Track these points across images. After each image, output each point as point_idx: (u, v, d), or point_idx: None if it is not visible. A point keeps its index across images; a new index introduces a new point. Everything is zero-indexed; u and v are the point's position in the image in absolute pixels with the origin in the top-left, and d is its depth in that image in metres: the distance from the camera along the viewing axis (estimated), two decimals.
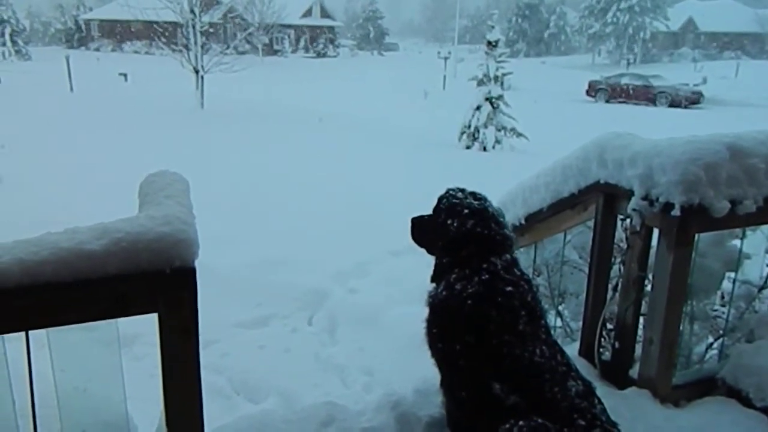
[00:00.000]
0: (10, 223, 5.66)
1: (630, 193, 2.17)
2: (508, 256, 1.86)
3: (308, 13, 59.53)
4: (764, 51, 55.79)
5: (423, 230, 2.06)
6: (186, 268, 1.46)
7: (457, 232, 1.88)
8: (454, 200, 1.95)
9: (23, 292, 1.33)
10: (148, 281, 1.45)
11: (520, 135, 15.63)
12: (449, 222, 1.91)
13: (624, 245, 2.36)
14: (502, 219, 1.94)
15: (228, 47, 22.86)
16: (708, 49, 56.51)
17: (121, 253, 1.40)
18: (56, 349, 1.57)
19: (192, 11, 20.33)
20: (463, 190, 1.99)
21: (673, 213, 2.02)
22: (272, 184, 9.96)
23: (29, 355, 1.51)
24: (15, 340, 1.46)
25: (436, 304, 1.85)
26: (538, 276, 3.14)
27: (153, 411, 1.79)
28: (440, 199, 2.02)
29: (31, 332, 1.47)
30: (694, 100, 28.41)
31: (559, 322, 3.13)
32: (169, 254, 1.43)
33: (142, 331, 3.39)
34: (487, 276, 1.77)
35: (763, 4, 62.28)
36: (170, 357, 1.53)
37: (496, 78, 16.15)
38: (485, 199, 1.97)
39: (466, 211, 1.90)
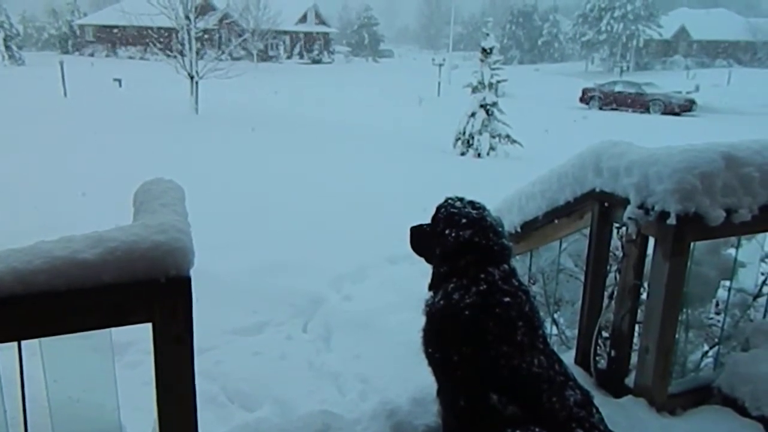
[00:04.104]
0: (3, 231, 5.63)
1: (626, 202, 2.17)
2: (506, 266, 1.85)
3: (303, 20, 59.65)
4: (756, 59, 56.28)
5: (421, 239, 2.06)
6: (181, 276, 1.45)
7: (455, 241, 1.87)
8: (452, 209, 1.94)
9: (16, 301, 1.32)
10: (143, 290, 1.44)
11: (514, 142, 15.70)
12: (447, 231, 1.90)
13: (620, 253, 2.36)
14: (500, 229, 1.93)
15: (223, 53, 22.86)
16: (700, 57, 56.98)
17: (115, 262, 1.38)
18: (49, 358, 1.55)
19: (187, 17, 20.35)
20: (461, 200, 1.99)
21: (668, 221, 2.02)
22: (268, 190, 9.95)
23: (21, 364, 1.49)
24: (6, 348, 1.45)
25: (433, 313, 1.84)
26: (534, 284, 3.14)
27: (146, 420, 1.78)
28: (439, 208, 2.01)
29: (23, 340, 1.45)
30: (686, 107, 28.61)
31: (554, 330, 3.12)
32: (165, 263, 1.42)
33: (136, 338, 3.39)
34: (484, 286, 1.76)
35: (754, 13, 63.08)
36: (164, 366, 1.52)
37: (490, 85, 16.22)
38: (484, 209, 1.96)
39: (464, 220, 1.89)
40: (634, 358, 2.38)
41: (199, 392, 1.59)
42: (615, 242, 2.43)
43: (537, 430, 1.54)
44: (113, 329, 1.53)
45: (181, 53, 20.53)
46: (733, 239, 2.43)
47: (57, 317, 1.41)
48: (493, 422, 1.59)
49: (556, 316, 3.15)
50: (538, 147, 14.67)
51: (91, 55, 53.82)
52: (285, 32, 55.67)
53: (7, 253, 1.37)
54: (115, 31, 51.23)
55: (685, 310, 2.42)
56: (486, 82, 16.12)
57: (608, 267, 2.48)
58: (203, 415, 1.63)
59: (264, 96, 25.88)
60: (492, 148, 15.76)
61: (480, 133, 15.75)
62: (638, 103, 29.41)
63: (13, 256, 1.35)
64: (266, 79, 34.01)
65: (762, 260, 2.63)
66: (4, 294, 1.31)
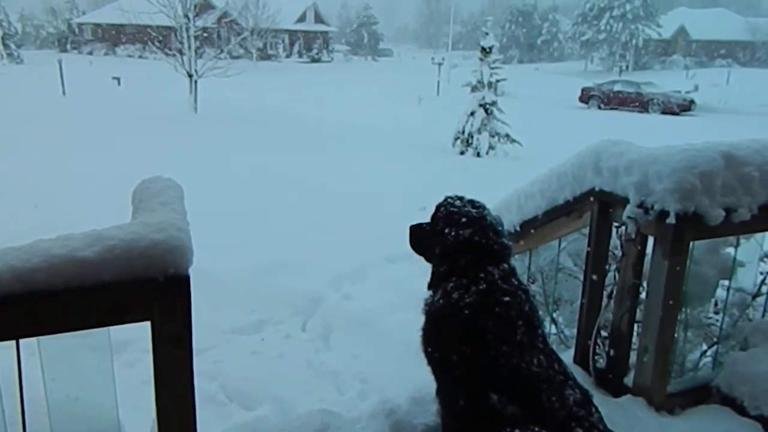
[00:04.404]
0: (2, 231, 5.61)
1: (625, 201, 2.17)
2: (505, 265, 1.85)
3: (302, 18, 59.62)
4: (755, 59, 56.31)
5: (421, 238, 2.05)
6: (180, 275, 1.44)
7: (455, 240, 1.86)
8: (452, 208, 1.94)
9: (14, 299, 1.31)
10: (142, 289, 1.43)
11: (513, 141, 15.70)
12: (447, 230, 1.90)
13: (619, 253, 2.36)
14: (500, 228, 1.93)
15: (222, 52, 22.84)
16: (699, 57, 57.00)
17: (114, 261, 1.38)
18: (47, 356, 1.55)
19: (186, 16, 20.33)
20: (461, 198, 1.98)
21: (668, 221, 2.02)
22: (267, 189, 9.94)
23: (20, 363, 1.49)
24: (5, 346, 1.44)
25: (432, 312, 1.84)
26: (533, 283, 3.14)
27: (145, 419, 1.77)
28: (438, 207, 2.01)
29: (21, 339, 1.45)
30: (685, 107, 28.63)
31: (553, 330, 3.12)
32: (164, 261, 1.42)
33: (134, 336, 3.37)
34: (484, 285, 1.76)
35: (754, 13, 63.13)
36: (163, 365, 1.52)
37: (489, 84, 16.23)
38: (484, 208, 1.96)
39: (464, 219, 1.89)
40: (633, 357, 2.38)
41: (198, 391, 1.59)
42: (614, 241, 2.43)
43: (536, 429, 1.54)
44: (112, 328, 1.53)
45: (180, 52, 20.51)
46: (732, 238, 2.42)
47: (55, 316, 1.40)
48: (493, 422, 1.59)
49: (555, 315, 3.15)
50: (538, 146, 14.68)
51: (90, 53, 53.76)
52: (284, 31, 55.65)
53: (6, 251, 1.36)
54: (114, 29, 51.23)
55: (684, 309, 2.42)
56: (485, 81, 16.12)
57: (607, 266, 2.47)
58: (202, 414, 1.63)
59: (263, 95, 25.85)
60: (491, 147, 15.76)
61: (479, 132, 15.75)
62: (637, 102, 29.43)
63: (11, 254, 1.35)
64: (265, 78, 33.98)
65: (761, 259, 2.63)
66: (3, 293, 1.30)
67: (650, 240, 2.21)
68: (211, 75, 20.01)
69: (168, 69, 20.60)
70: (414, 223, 2.12)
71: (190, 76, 20.11)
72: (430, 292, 1.89)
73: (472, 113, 15.92)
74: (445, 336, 1.78)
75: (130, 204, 1.81)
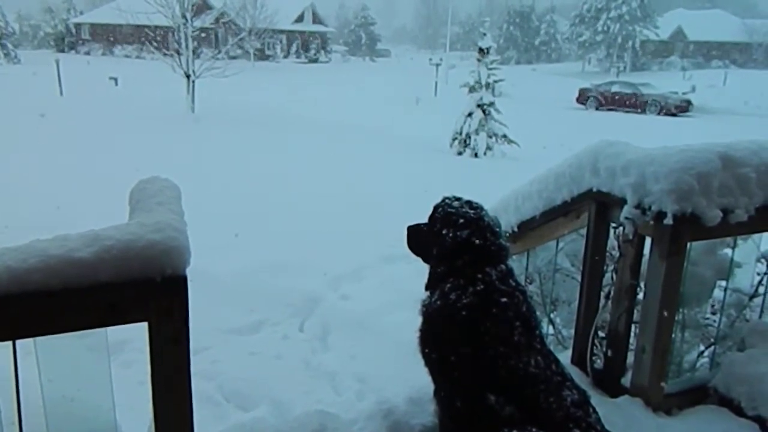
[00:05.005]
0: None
1: (623, 202, 2.18)
2: (503, 266, 1.85)
3: (300, 19, 59.59)
4: (752, 60, 56.47)
5: (418, 239, 2.06)
6: (177, 276, 1.44)
7: (453, 241, 1.87)
8: (450, 209, 1.94)
9: (11, 300, 1.31)
10: (139, 289, 1.43)
11: (511, 141, 15.72)
12: (444, 231, 1.90)
13: (616, 253, 2.36)
14: (498, 229, 1.93)
15: (219, 52, 22.82)
16: (697, 58, 57.16)
17: (111, 261, 1.37)
18: (43, 357, 1.54)
19: (183, 16, 20.29)
20: (459, 199, 1.98)
21: (665, 221, 2.02)
22: (265, 190, 9.93)
23: (16, 363, 1.48)
24: (1, 347, 1.44)
25: (429, 313, 1.84)
26: (530, 284, 3.14)
27: (142, 419, 1.77)
28: (436, 208, 2.01)
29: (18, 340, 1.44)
30: (683, 108, 28.72)
31: (551, 330, 3.13)
32: (161, 262, 1.41)
33: (131, 337, 3.37)
34: (482, 286, 1.76)
35: (751, 14, 63.35)
36: (160, 366, 1.51)
37: (487, 85, 16.24)
38: (481, 209, 1.96)
39: (461, 220, 1.89)
40: (630, 358, 2.38)
41: (195, 392, 1.58)
42: (612, 242, 2.43)
43: (534, 430, 1.54)
44: (109, 328, 1.52)
45: (178, 52, 20.47)
46: (730, 239, 2.43)
47: (52, 316, 1.40)
48: (491, 422, 1.59)
49: (552, 315, 3.15)
50: (535, 147, 14.69)
51: (87, 53, 53.65)
52: (282, 31, 55.55)
53: (2, 251, 1.36)
54: (111, 29, 51.15)
55: (681, 310, 2.42)
56: (483, 82, 16.14)
57: (605, 267, 2.48)
58: (199, 415, 1.62)
59: (261, 95, 25.84)
60: (489, 148, 15.78)
61: (477, 133, 15.77)
62: (635, 103, 29.51)
63: (7, 254, 1.34)
64: (263, 79, 33.95)
65: (758, 260, 2.64)
66: None
67: (648, 241, 2.21)
68: (209, 75, 19.99)
69: (165, 69, 20.55)
70: (412, 223, 2.12)
71: (188, 76, 20.08)
72: (428, 293, 1.89)
73: (470, 114, 15.94)
74: (442, 337, 1.78)
75: (127, 204, 1.80)
